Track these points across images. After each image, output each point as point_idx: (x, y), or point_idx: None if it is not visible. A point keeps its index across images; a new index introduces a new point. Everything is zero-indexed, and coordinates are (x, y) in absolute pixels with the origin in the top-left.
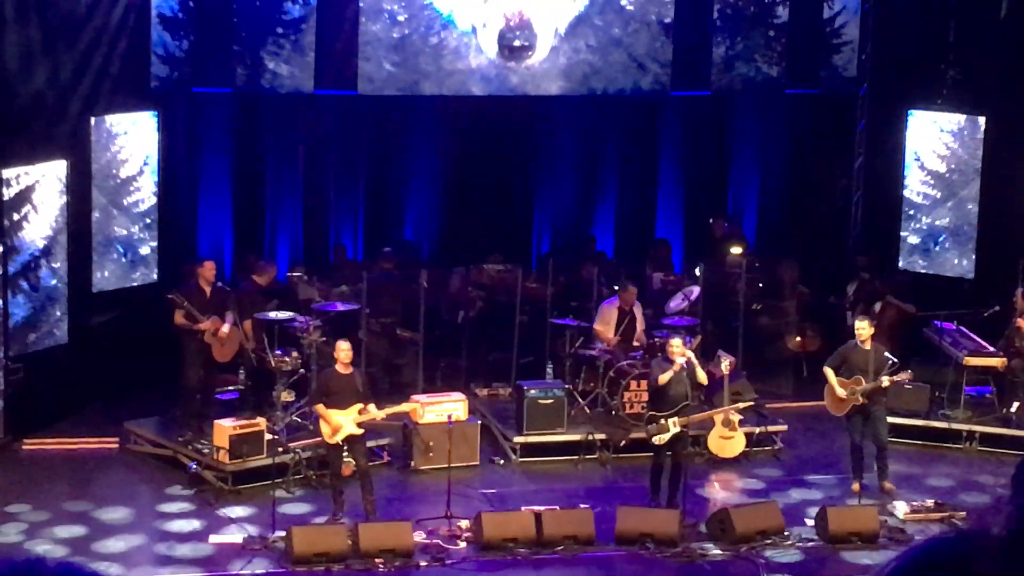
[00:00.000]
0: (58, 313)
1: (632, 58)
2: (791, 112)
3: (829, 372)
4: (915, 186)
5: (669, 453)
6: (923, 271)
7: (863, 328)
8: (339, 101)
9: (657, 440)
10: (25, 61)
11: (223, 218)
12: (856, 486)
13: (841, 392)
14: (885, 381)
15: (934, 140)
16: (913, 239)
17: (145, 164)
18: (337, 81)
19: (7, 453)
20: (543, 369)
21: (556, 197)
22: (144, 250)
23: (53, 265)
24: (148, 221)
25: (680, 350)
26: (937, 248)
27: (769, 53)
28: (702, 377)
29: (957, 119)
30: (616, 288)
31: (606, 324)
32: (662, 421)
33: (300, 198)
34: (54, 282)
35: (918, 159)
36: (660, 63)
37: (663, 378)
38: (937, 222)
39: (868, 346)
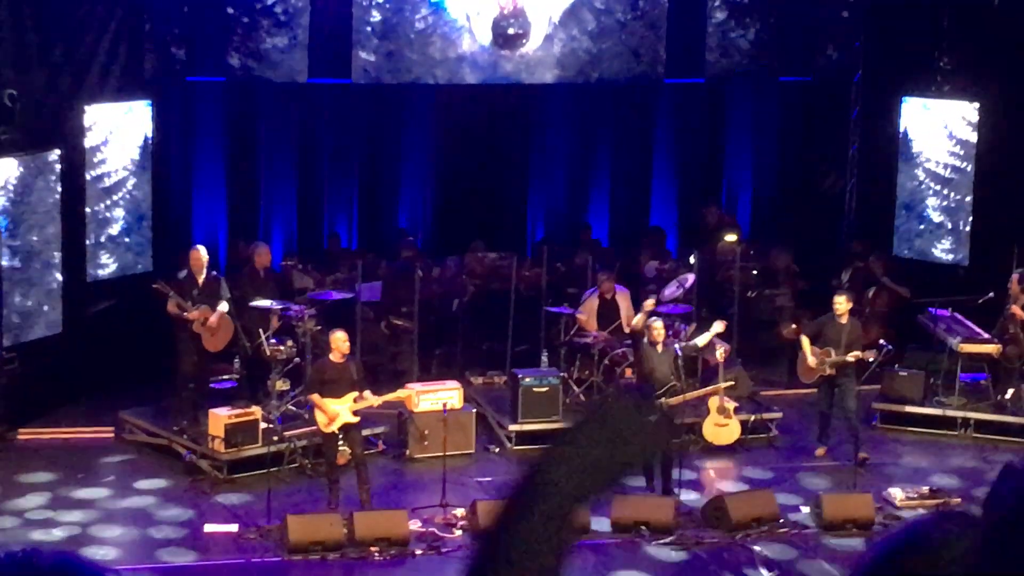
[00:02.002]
0: (53, 303)
1: (626, 46)
2: (785, 99)
3: (804, 340)
4: (911, 173)
5: None
6: (923, 257)
7: (840, 303)
8: (333, 89)
9: None
10: (19, 49)
11: (217, 207)
12: (821, 451)
13: (811, 360)
14: (851, 357)
15: (927, 127)
16: (912, 225)
17: (139, 153)
18: (331, 69)
19: (2, 443)
20: (538, 357)
21: (550, 185)
22: (138, 240)
23: (47, 255)
24: (142, 210)
25: (662, 333)
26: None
27: (763, 40)
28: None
29: (950, 106)
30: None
31: (589, 313)
32: None
33: (294, 187)
34: (49, 271)
35: (925, 140)
36: (654, 51)
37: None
38: (932, 208)
39: (844, 320)
